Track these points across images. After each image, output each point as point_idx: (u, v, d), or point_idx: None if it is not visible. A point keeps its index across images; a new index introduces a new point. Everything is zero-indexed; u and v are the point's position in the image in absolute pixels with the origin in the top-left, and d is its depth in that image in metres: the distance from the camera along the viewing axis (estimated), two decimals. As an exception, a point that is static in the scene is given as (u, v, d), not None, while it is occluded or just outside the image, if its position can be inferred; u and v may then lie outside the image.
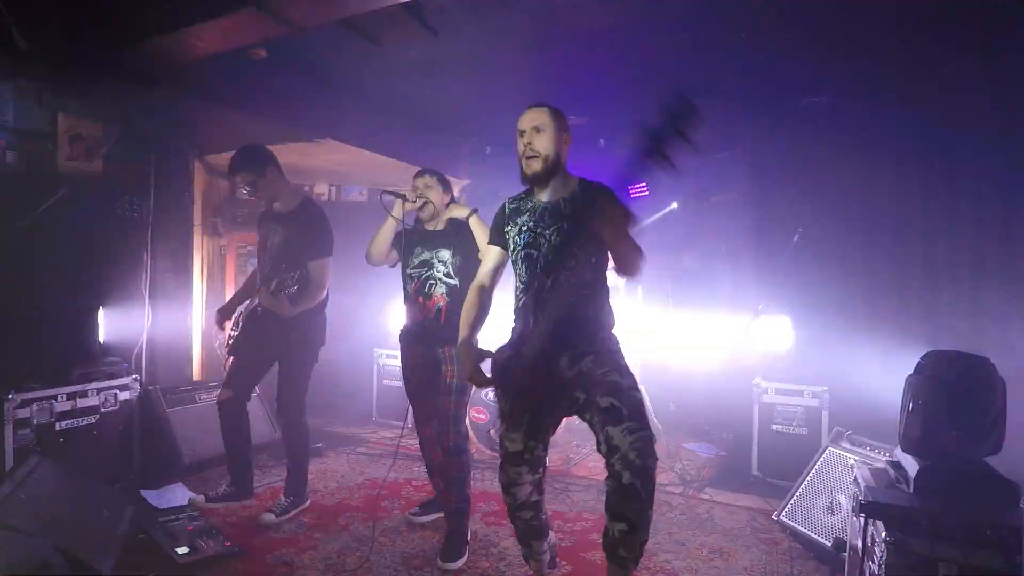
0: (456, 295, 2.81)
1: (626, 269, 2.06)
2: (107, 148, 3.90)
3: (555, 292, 2.03)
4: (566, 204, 2.15)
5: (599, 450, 1.95)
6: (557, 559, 2.52)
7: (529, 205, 2.23)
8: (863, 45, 3.43)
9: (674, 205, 5.63)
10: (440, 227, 2.98)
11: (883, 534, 1.55)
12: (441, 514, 3.14)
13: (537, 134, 2.11)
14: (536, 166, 2.12)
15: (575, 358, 2.07)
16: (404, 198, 2.94)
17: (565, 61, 3.91)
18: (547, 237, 2.13)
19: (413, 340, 2.97)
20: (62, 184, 3.61)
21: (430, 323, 2.88)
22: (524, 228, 2.19)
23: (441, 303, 2.88)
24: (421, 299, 2.90)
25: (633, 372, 2.12)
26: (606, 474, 1.91)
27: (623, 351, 2.18)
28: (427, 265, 2.92)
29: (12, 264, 3.31)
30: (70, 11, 2.85)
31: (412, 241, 2.99)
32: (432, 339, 2.88)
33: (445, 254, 2.90)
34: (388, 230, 2.98)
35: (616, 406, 1.91)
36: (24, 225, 3.40)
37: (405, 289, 2.99)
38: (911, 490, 1.76)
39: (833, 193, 4.15)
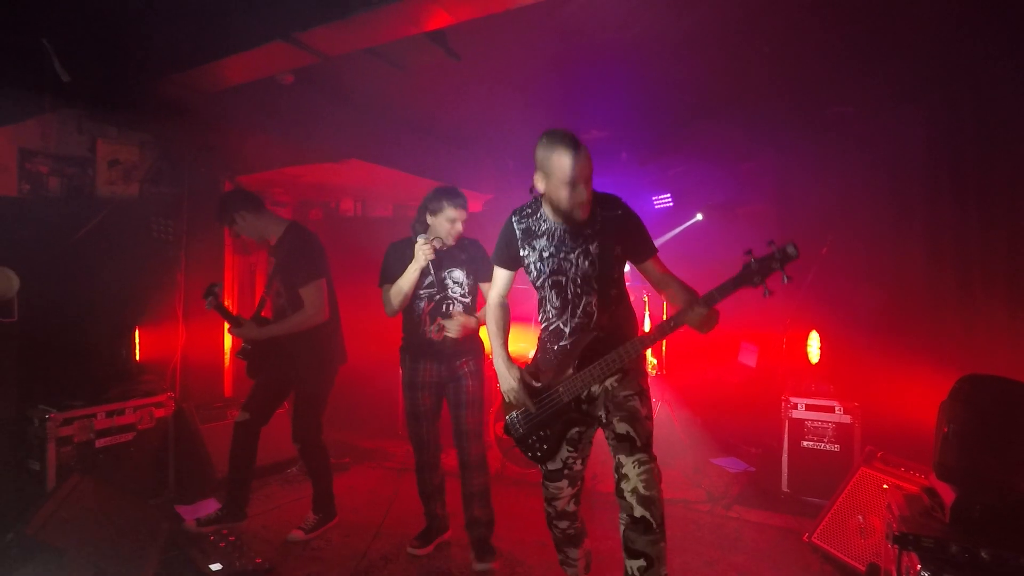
0: (469, 313, 3.00)
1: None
2: (143, 172, 4.05)
3: (587, 317, 2.15)
4: (586, 224, 2.11)
5: (614, 475, 2.03)
6: (591, 565, 2.58)
7: (544, 227, 2.18)
8: (891, 52, 3.38)
9: (699, 216, 5.60)
10: (449, 243, 2.92)
11: (918, 567, 1.51)
12: (443, 539, 3.16)
13: (588, 183, 2.04)
14: (589, 210, 2.09)
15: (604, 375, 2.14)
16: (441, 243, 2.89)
17: (587, 76, 3.92)
18: (572, 262, 2.13)
19: (425, 357, 2.97)
20: (101, 208, 3.75)
21: (451, 342, 2.93)
22: (545, 254, 2.17)
23: None
24: (440, 319, 2.92)
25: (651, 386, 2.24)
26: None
27: (645, 370, 2.28)
28: (440, 286, 2.92)
29: (53, 285, 3.44)
30: (109, 45, 2.97)
31: (409, 257, 2.88)
32: (452, 356, 2.96)
33: (459, 275, 2.97)
34: (414, 279, 2.85)
35: (631, 435, 2.00)
36: (65, 247, 3.54)
37: (412, 308, 2.95)
38: (947, 520, 1.71)
39: (862, 205, 4.06)
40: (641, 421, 2.04)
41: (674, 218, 5.68)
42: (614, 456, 2.03)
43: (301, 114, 3.99)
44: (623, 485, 1.95)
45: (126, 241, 3.87)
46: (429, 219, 2.90)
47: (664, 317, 4.67)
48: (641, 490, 1.91)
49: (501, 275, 2.35)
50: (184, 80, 3.08)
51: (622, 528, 1.96)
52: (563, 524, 2.37)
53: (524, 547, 3.15)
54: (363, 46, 2.75)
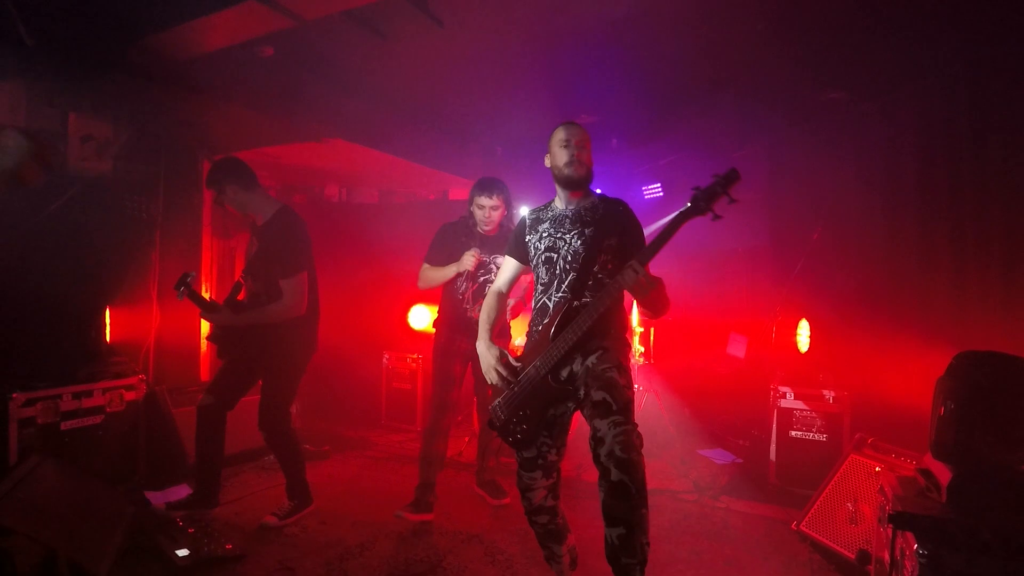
0: None
1: (652, 311, 2.11)
2: (117, 148, 3.90)
3: (571, 292, 2.19)
4: (587, 212, 2.28)
5: (590, 445, 1.98)
6: (577, 561, 2.52)
7: (550, 214, 2.36)
8: (884, 35, 3.32)
9: (688, 206, 5.52)
10: (485, 230, 3.26)
11: (915, 547, 1.43)
12: (426, 518, 3.15)
13: (582, 149, 2.26)
14: (583, 171, 2.26)
15: (586, 354, 2.13)
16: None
17: (576, 58, 3.83)
18: (567, 241, 2.25)
19: (462, 333, 3.25)
20: (72, 184, 3.61)
21: None
22: (545, 234, 2.32)
23: None
24: (482, 300, 3.12)
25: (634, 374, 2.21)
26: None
27: (627, 353, 2.28)
28: (484, 268, 3.24)
29: (21, 262, 3.30)
30: (75, 6, 2.83)
31: (461, 244, 3.24)
32: None
33: (501, 261, 3.18)
34: (449, 276, 3.23)
35: (607, 400, 1.97)
36: (34, 224, 3.40)
37: (455, 288, 3.26)
38: (943, 499, 1.64)
39: (854, 191, 4.01)
40: (619, 389, 2.00)
41: (664, 208, 5.61)
42: (590, 424, 1.98)
43: (282, 90, 3.86)
44: (599, 450, 1.89)
45: (98, 219, 3.73)
46: (472, 207, 3.24)
47: (636, 319, 4.64)
48: (617, 452, 1.83)
49: (508, 264, 2.48)
50: (156, 45, 2.95)
51: (601, 495, 1.88)
52: (542, 519, 2.34)
53: (505, 535, 3.06)
54: (340, 7, 2.64)
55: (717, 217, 1.93)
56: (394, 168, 5.42)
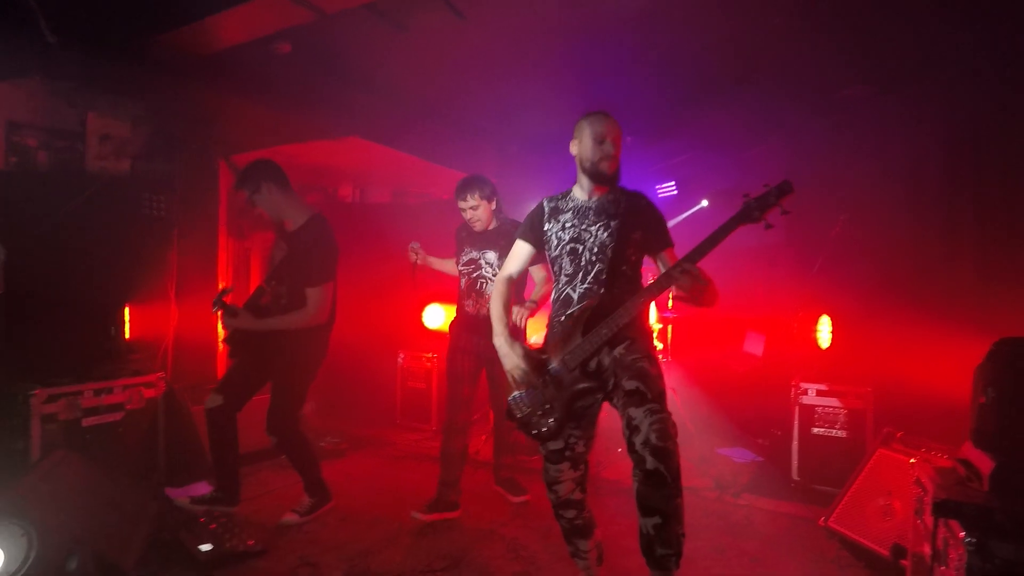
0: None
1: (701, 305, 2.05)
2: (135, 147, 3.92)
3: (597, 283, 2.17)
4: (611, 205, 2.24)
5: (624, 434, 1.94)
6: (603, 557, 2.48)
7: (571, 204, 2.31)
8: (906, 28, 3.28)
9: (704, 203, 5.48)
10: (476, 229, 3.25)
11: (961, 535, 1.40)
12: (448, 516, 3.18)
13: (616, 146, 2.21)
14: (616, 168, 2.23)
15: (612, 344, 2.10)
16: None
17: (592, 54, 3.82)
18: (593, 232, 2.22)
19: (464, 329, 3.28)
20: (90, 183, 3.63)
21: (485, 319, 2.99)
22: (568, 224, 2.27)
23: None
24: (474, 296, 3.23)
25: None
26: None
27: (653, 343, 2.28)
28: (474, 264, 3.25)
29: (40, 261, 3.31)
30: (96, 2, 2.84)
31: (461, 239, 3.33)
32: (487, 333, 3.06)
33: (491, 256, 3.22)
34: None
35: (641, 390, 1.95)
36: (53, 223, 3.41)
37: (460, 283, 3.35)
38: (985, 488, 1.60)
39: (875, 185, 3.96)
40: (652, 379, 1.99)
41: (678, 205, 5.57)
42: (624, 414, 1.95)
43: (300, 87, 3.87)
44: (635, 439, 1.87)
45: (116, 217, 3.73)
46: None
47: (669, 305, 4.60)
48: (653, 440, 1.81)
49: (520, 249, 2.41)
50: (176, 40, 2.95)
51: (635, 485, 1.86)
52: (569, 513, 2.30)
53: (527, 532, 3.04)
54: (361, 0, 2.63)
55: (769, 226, 1.94)
56: (407, 168, 5.42)
